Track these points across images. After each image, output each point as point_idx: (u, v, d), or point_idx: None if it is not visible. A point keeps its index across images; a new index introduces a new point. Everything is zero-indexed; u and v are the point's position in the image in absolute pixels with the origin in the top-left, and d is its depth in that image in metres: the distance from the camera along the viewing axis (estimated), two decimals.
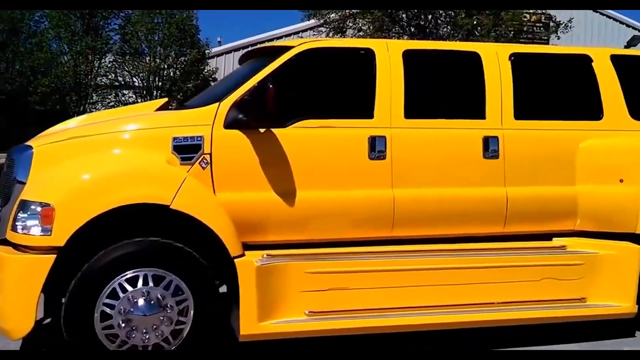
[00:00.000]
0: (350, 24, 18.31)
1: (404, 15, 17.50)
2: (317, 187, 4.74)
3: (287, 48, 4.87)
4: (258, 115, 4.45)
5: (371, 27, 17.49)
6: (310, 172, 4.73)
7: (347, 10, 17.92)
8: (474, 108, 5.11)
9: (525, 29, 18.78)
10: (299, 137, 4.71)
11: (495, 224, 5.12)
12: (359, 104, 4.91)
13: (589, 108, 5.38)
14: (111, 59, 24.05)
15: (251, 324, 4.43)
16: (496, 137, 5.05)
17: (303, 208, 4.71)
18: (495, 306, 4.94)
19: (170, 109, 5.08)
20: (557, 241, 5.28)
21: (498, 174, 5.05)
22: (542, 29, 20.08)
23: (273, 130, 4.63)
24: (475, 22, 16.22)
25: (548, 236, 5.33)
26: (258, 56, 5.17)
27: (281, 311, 4.56)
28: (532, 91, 5.33)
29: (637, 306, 5.13)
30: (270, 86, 4.39)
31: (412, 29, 17.45)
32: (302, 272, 4.61)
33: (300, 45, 4.87)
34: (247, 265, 4.43)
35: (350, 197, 4.80)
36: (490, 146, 5.03)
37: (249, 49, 5.50)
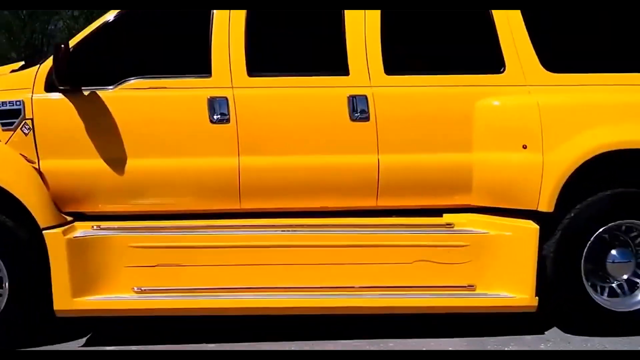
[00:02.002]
0: None
1: None
2: (152, 154, 4.33)
3: None
4: (61, 77, 4.12)
5: None
6: (144, 138, 4.33)
7: None
8: (334, 63, 4.40)
9: None
10: (127, 100, 4.33)
11: (366, 197, 4.44)
12: (195, 61, 4.40)
13: (486, 59, 4.42)
14: None
15: (64, 299, 4.17)
16: (364, 96, 4.33)
17: (138, 177, 4.34)
18: (355, 290, 4.32)
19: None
20: (446, 218, 4.49)
21: (368, 139, 4.35)
22: None
23: (99, 92, 4.30)
24: None
25: (440, 212, 4.56)
26: None
27: (105, 287, 4.27)
28: (409, 41, 4.51)
29: (537, 298, 4.27)
30: (62, 46, 4.06)
31: None
32: (126, 246, 4.27)
33: None
34: (56, 237, 4.16)
35: (190, 165, 4.35)
36: (357, 107, 4.34)
37: None
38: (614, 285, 4.47)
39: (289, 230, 4.37)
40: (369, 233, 4.37)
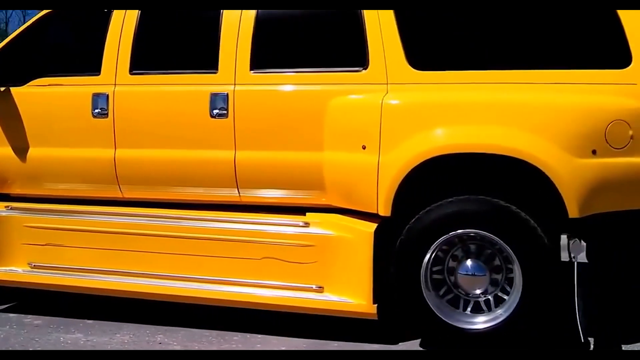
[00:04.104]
0: None
1: None
2: (47, 144, 4.86)
3: None
4: None
5: None
6: (42, 129, 4.87)
7: None
8: (208, 61, 4.51)
9: None
10: (30, 95, 4.90)
11: (229, 192, 4.55)
12: (88, 61, 4.80)
13: (351, 57, 4.25)
14: None
15: None
16: (225, 94, 4.44)
17: (37, 164, 4.91)
18: (204, 282, 4.48)
19: None
20: (308, 217, 4.42)
21: (226, 136, 4.46)
22: None
23: (12, 89, 4.92)
24: None
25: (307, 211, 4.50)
26: None
27: (5, 260, 4.92)
28: (279, 38, 4.50)
29: (375, 306, 4.07)
30: None
31: None
32: (22, 225, 4.88)
33: None
34: None
35: (77, 155, 4.80)
36: (217, 104, 4.45)
37: None
38: (480, 300, 4.10)
39: (149, 220, 4.67)
40: (220, 227, 4.50)
